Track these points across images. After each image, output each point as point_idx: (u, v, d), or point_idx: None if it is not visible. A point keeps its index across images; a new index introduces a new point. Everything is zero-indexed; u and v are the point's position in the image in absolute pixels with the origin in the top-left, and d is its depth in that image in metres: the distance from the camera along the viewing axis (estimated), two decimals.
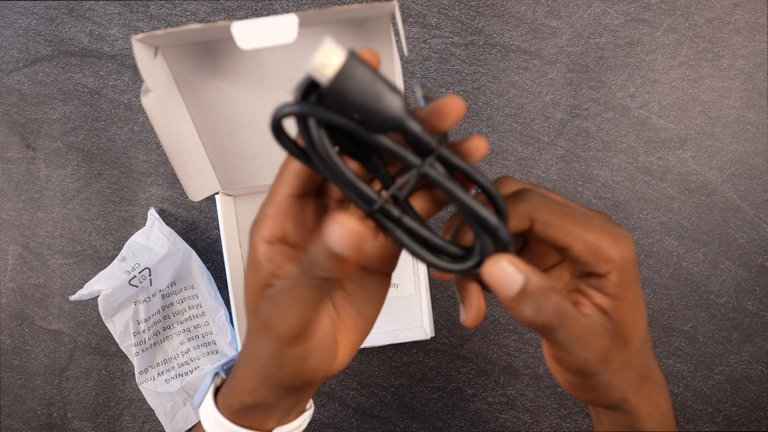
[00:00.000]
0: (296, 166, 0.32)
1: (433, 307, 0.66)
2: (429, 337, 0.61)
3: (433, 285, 0.66)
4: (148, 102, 0.45)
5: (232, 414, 0.39)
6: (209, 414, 0.40)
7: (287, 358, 0.34)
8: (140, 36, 0.40)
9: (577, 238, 0.31)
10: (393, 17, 0.49)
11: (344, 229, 0.27)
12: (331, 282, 0.30)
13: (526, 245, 0.38)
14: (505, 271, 0.30)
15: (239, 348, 0.62)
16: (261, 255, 0.34)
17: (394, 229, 0.30)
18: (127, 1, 0.66)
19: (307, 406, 0.43)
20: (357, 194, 0.29)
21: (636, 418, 0.36)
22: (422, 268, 0.60)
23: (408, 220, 0.30)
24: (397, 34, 0.64)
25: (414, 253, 0.30)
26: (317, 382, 0.38)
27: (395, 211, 0.30)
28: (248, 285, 0.35)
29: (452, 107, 0.29)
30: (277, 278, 0.34)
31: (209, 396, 0.40)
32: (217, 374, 0.42)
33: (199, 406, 0.41)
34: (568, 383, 0.35)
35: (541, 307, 0.30)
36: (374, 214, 0.30)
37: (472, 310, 0.34)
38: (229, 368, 0.42)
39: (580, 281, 0.34)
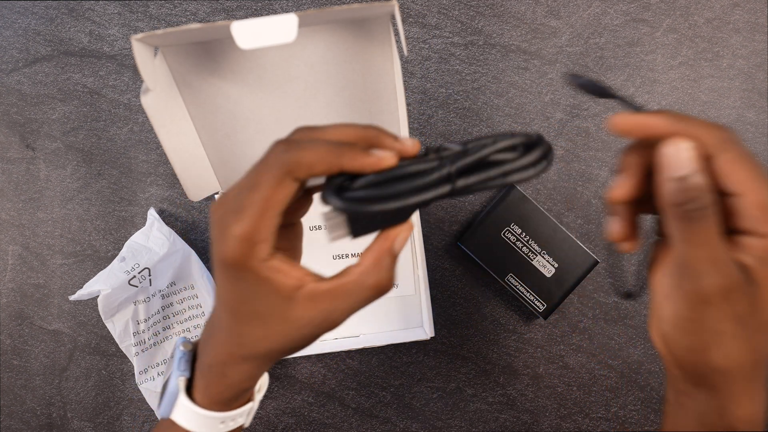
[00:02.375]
0: (286, 196, 0.34)
1: (432, 307, 0.66)
2: (429, 337, 0.61)
3: (433, 285, 0.66)
4: (147, 102, 0.45)
5: (222, 404, 0.40)
6: (190, 413, 0.40)
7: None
8: (140, 36, 0.40)
9: (758, 188, 0.30)
10: (393, 17, 0.49)
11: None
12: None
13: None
14: (680, 147, 0.30)
15: None
16: (267, 265, 0.35)
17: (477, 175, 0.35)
18: (127, 1, 0.66)
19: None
20: (431, 186, 0.34)
21: (728, 408, 0.32)
22: (421, 268, 0.60)
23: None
24: (396, 33, 0.64)
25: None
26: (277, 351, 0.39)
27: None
28: (257, 303, 0.36)
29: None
30: (294, 280, 0.36)
31: (184, 398, 0.40)
32: (180, 377, 0.41)
33: (170, 414, 0.41)
34: (678, 318, 0.31)
35: (696, 197, 0.29)
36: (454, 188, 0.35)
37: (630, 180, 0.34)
38: (185, 369, 0.42)
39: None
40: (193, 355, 0.42)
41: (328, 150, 0.33)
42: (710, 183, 0.30)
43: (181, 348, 0.43)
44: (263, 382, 0.46)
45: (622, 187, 0.34)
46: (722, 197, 0.31)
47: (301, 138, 0.35)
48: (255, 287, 0.35)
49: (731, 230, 0.31)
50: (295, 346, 0.37)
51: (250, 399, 0.43)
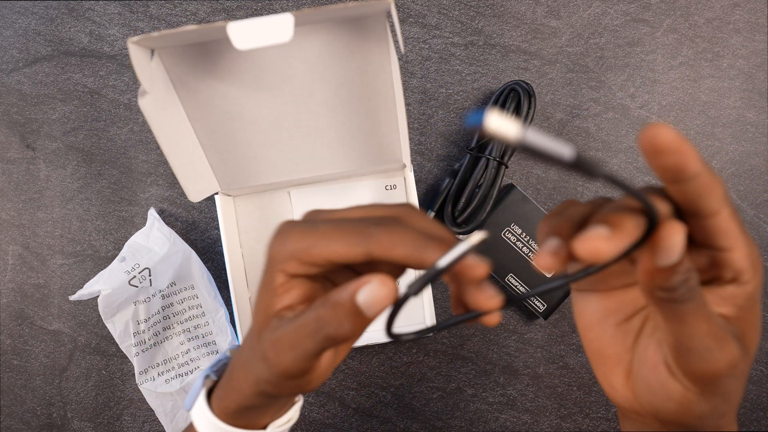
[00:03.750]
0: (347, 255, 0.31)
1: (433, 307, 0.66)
2: (431, 334, 0.61)
3: (433, 285, 0.66)
4: (145, 104, 0.45)
5: (227, 415, 0.39)
6: (202, 416, 0.40)
7: (284, 384, 0.35)
8: (136, 38, 0.40)
9: (746, 240, 0.30)
10: (389, 15, 0.48)
11: (384, 287, 0.29)
12: (341, 339, 0.31)
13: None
14: (681, 231, 0.27)
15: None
16: (278, 285, 0.33)
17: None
18: (127, 1, 0.66)
19: (296, 398, 0.44)
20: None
21: None
22: None
23: None
24: (393, 31, 0.64)
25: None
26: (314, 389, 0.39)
27: None
28: (259, 306, 0.35)
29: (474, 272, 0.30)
30: (288, 310, 0.34)
31: (201, 398, 0.40)
32: (207, 377, 0.42)
33: (190, 409, 0.42)
34: (681, 396, 0.31)
35: (687, 279, 0.27)
36: None
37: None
38: (218, 369, 0.43)
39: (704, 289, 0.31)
40: None
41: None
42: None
43: (228, 353, 0.43)
44: (284, 424, 0.43)
45: (555, 257, 0.30)
46: (700, 248, 0.31)
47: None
48: (261, 298, 0.34)
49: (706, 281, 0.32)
50: (278, 389, 0.35)
51: (263, 426, 0.42)
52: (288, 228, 0.33)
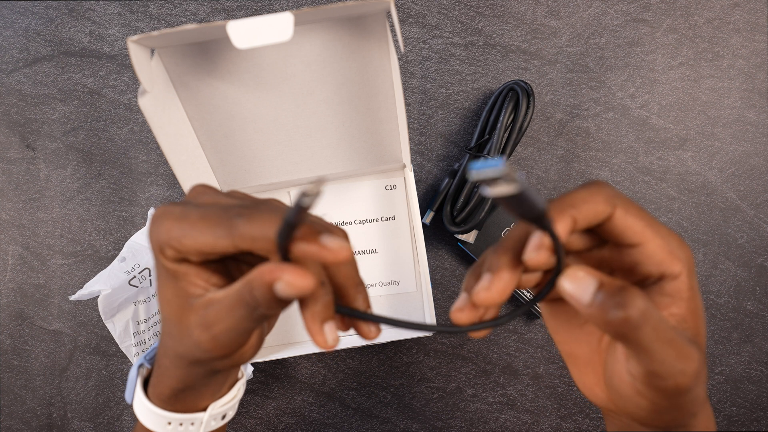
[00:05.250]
0: (264, 234, 0.30)
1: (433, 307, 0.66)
2: (431, 333, 0.61)
3: (433, 285, 0.66)
4: (145, 103, 0.45)
5: (164, 401, 0.39)
6: (142, 406, 0.40)
7: (214, 363, 0.35)
8: (136, 37, 0.40)
9: (655, 231, 0.30)
10: (389, 15, 0.49)
11: (292, 288, 0.28)
12: (273, 315, 0.32)
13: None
14: (577, 275, 0.29)
15: None
16: (174, 270, 0.33)
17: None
18: (127, 1, 0.66)
19: (239, 374, 0.44)
20: None
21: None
22: (423, 265, 0.60)
23: None
24: (393, 30, 0.64)
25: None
26: (246, 362, 0.39)
27: None
28: (166, 296, 0.34)
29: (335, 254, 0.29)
30: (198, 288, 0.33)
31: (138, 388, 0.40)
32: (141, 366, 0.41)
33: (132, 401, 0.41)
34: (652, 407, 0.31)
35: (619, 302, 0.27)
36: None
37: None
38: (152, 358, 0.42)
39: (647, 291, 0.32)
40: None
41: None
42: (623, 282, 0.28)
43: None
44: (226, 404, 0.43)
45: (462, 311, 0.32)
46: (621, 250, 0.32)
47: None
48: (164, 286, 0.34)
49: (639, 282, 0.32)
50: (206, 357, 0.34)
51: (203, 408, 0.41)
52: (161, 214, 0.32)
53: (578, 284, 0.29)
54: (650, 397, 0.30)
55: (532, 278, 0.35)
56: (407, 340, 0.66)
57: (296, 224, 0.27)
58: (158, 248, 0.32)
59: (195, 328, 0.33)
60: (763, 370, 0.65)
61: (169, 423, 0.39)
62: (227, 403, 0.42)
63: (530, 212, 0.27)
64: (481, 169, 0.24)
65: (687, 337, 0.29)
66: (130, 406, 0.49)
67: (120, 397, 0.67)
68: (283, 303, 0.30)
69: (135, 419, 0.67)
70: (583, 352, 0.36)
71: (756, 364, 0.65)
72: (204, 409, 0.41)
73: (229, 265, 0.35)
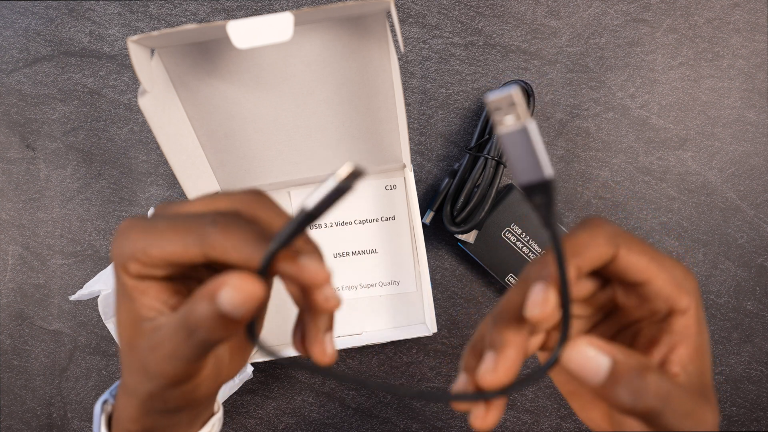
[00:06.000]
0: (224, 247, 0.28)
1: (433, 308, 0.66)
2: (431, 333, 0.61)
3: (433, 285, 0.66)
4: (145, 103, 0.45)
5: None
6: None
7: (169, 394, 0.32)
8: (136, 37, 0.40)
9: (660, 265, 0.29)
10: (389, 15, 0.49)
11: (240, 292, 0.26)
12: (216, 342, 0.29)
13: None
14: (586, 354, 0.27)
15: None
16: (131, 288, 0.30)
17: None
18: (127, 1, 0.66)
19: (215, 408, 0.41)
20: None
21: None
22: (423, 264, 0.60)
23: None
24: (393, 30, 0.64)
25: None
26: (212, 397, 0.36)
27: None
28: (121, 318, 0.31)
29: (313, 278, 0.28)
30: (152, 311, 0.31)
31: (103, 428, 0.37)
32: (106, 402, 0.38)
33: None
34: None
35: (638, 389, 0.26)
36: None
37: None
38: (117, 394, 0.38)
39: (654, 332, 0.31)
40: None
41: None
42: (639, 362, 0.27)
43: None
44: None
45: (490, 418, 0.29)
46: (626, 288, 0.31)
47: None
48: (121, 308, 0.31)
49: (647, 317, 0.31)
50: (154, 388, 0.31)
51: None
52: (127, 226, 0.30)
53: (588, 363, 0.27)
54: None
55: (535, 341, 0.33)
56: (407, 340, 0.66)
57: (288, 244, 0.27)
58: (120, 263, 0.30)
59: (143, 352, 0.30)
60: (763, 370, 0.65)
61: None
62: None
63: (535, 169, 0.26)
64: (496, 93, 0.24)
65: (698, 389, 0.29)
66: None
67: None
68: (226, 322, 0.27)
69: None
70: (587, 391, 0.34)
71: (756, 364, 0.65)
72: None
73: (192, 287, 0.33)
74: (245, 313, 0.27)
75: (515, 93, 0.25)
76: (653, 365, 0.27)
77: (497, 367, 0.28)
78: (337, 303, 0.29)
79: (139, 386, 0.32)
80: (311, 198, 0.26)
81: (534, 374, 0.28)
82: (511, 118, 0.25)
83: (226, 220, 0.28)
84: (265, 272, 0.28)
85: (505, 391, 0.29)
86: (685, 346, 0.29)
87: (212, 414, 0.40)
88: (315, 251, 0.31)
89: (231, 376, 0.35)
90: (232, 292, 0.26)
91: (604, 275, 0.31)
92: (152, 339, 0.30)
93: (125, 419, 0.34)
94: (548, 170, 0.26)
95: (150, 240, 0.29)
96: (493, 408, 0.30)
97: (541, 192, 0.26)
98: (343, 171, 0.25)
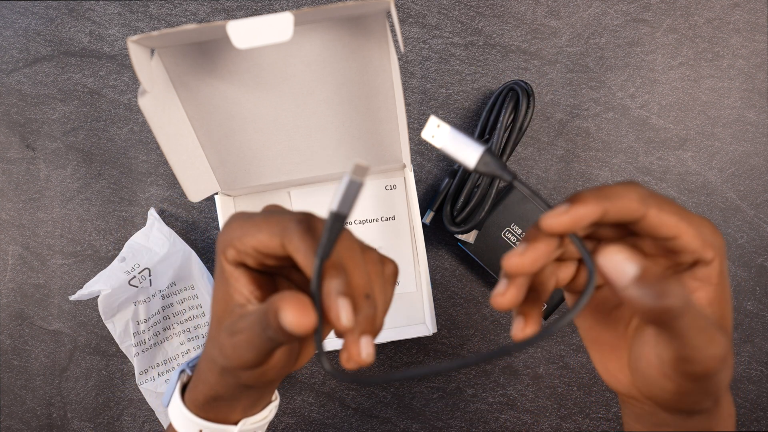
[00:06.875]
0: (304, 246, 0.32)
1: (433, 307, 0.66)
2: (431, 333, 0.61)
3: (433, 285, 0.66)
4: (145, 103, 0.45)
5: (198, 408, 0.40)
6: (176, 410, 0.41)
7: (243, 375, 0.36)
8: (136, 37, 0.40)
9: (688, 223, 0.31)
10: (389, 15, 0.48)
11: (294, 320, 0.30)
12: (285, 343, 0.33)
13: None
14: (617, 258, 0.29)
15: None
16: (228, 273, 0.35)
17: None
18: (127, 1, 0.66)
19: (273, 397, 0.45)
20: None
21: (718, 421, 0.35)
22: (423, 265, 0.60)
23: None
24: (393, 30, 0.64)
25: None
26: (276, 382, 0.40)
27: None
28: (217, 296, 0.36)
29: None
30: (242, 297, 0.35)
31: (176, 392, 0.41)
32: (183, 371, 0.43)
33: (168, 405, 0.42)
34: (678, 390, 0.32)
35: (661, 291, 0.27)
36: None
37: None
38: (194, 365, 0.44)
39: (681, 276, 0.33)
40: None
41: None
42: (663, 272, 0.29)
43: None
44: (257, 422, 0.43)
45: (510, 296, 0.32)
46: (654, 240, 0.33)
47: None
48: (218, 286, 0.36)
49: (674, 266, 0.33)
50: (228, 365, 0.36)
51: (235, 422, 0.42)
52: (232, 218, 0.35)
53: (618, 265, 0.29)
54: (677, 380, 0.31)
55: (568, 271, 0.36)
56: (407, 340, 0.66)
57: (329, 254, 0.31)
58: (221, 249, 0.34)
59: (223, 332, 0.35)
60: (763, 370, 0.65)
61: (201, 430, 0.41)
62: (258, 422, 0.43)
63: (469, 154, 0.32)
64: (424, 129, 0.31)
65: (715, 323, 0.31)
66: (165, 408, 0.49)
67: (120, 397, 0.67)
68: (288, 334, 0.31)
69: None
70: (608, 338, 0.37)
71: (756, 364, 0.65)
72: (235, 423, 0.42)
73: (280, 284, 0.38)
74: (301, 335, 0.31)
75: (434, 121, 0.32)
76: (674, 277, 0.30)
77: (525, 252, 0.31)
78: (369, 360, 0.32)
79: (219, 361, 0.36)
80: (332, 202, 0.29)
81: (581, 298, 0.30)
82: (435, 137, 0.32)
83: (309, 223, 0.33)
84: (318, 286, 0.31)
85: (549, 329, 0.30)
86: (706, 291, 0.32)
87: (270, 401, 0.45)
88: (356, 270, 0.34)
89: (297, 368, 0.40)
90: (290, 317, 0.30)
91: (635, 231, 0.33)
92: (236, 324, 0.34)
93: (203, 383, 0.39)
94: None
95: (246, 229, 0.33)
96: (531, 320, 0.33)
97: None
98: (353, 166, 0.28)
